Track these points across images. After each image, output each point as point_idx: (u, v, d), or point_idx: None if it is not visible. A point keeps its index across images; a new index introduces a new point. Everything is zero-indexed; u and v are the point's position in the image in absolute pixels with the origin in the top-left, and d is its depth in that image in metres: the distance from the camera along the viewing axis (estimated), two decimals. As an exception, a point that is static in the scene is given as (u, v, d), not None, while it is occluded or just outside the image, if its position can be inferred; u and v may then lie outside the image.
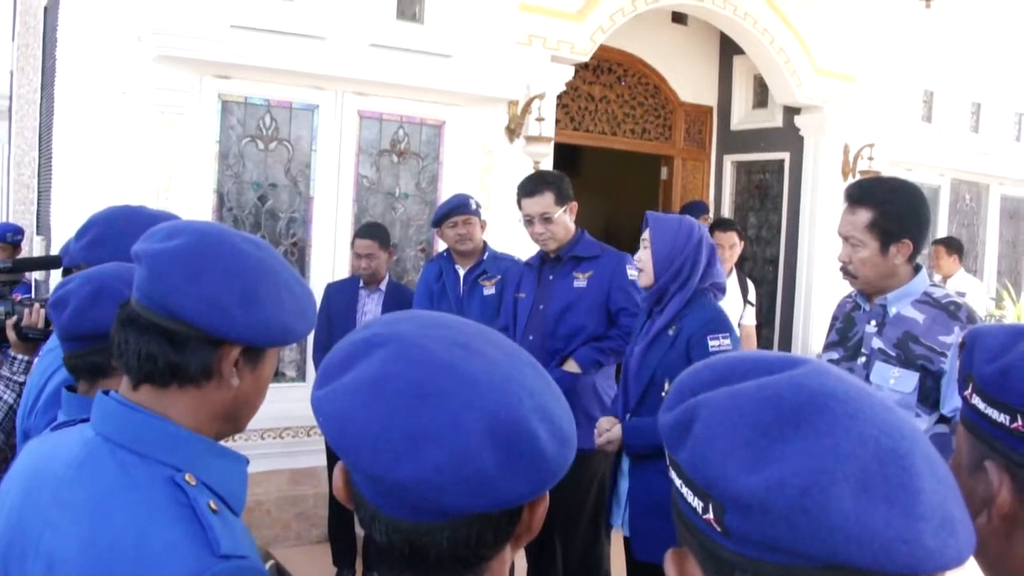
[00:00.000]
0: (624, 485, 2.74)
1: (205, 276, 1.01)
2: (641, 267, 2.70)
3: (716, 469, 0.58)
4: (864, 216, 2.32)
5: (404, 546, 0.71)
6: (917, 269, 2.39)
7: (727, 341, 2.56)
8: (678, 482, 0.63)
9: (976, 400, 0.87)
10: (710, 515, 0.59)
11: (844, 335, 2.49)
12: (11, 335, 2.27)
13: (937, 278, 6.33)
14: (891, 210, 2.31)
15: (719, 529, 0.59)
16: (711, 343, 2.53)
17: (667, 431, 0.64)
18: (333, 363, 0.74)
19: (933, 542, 0.55)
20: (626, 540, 2.78)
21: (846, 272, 2.41)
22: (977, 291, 6.63)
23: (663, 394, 2.55)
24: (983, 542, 0.86)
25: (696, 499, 0.60)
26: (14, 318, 2.28)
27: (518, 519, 0.74)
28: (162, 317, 1.01)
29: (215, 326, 1.01)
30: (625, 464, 2.74)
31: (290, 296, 1.08)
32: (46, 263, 3.43)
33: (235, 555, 0.91)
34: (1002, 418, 0.83)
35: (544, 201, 3.14)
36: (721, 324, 2.60)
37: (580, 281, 3.17)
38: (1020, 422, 0.81)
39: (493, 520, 0.71)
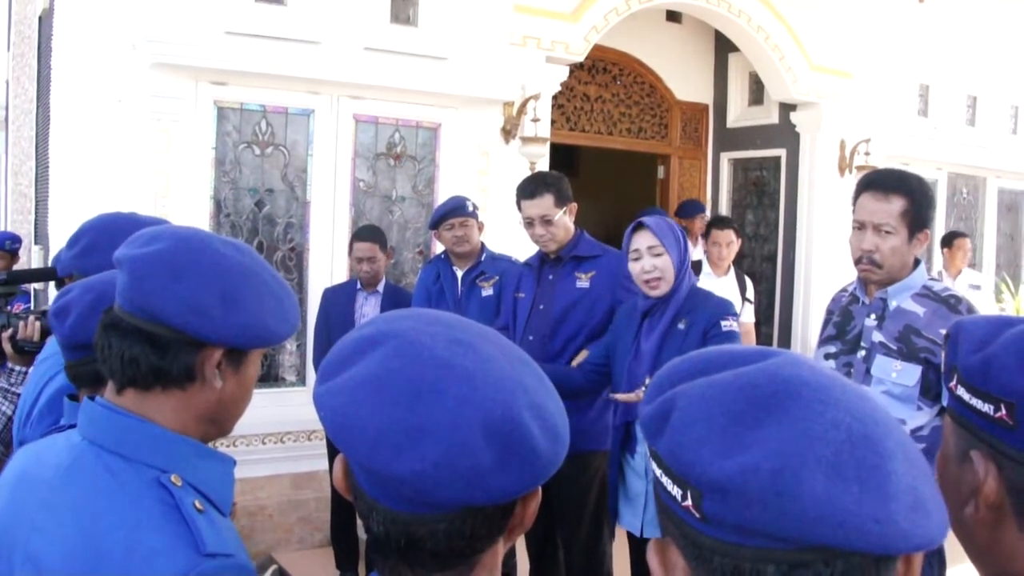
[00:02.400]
0: (640, 486, 2.74)
1: (185, 279, 1.02)
2: (660, 275, 2.67)
3: (693, 455, 0.59)
4: (899, 204, 2.29)
5: (400, 537, 0.73)
6: (916, 263, 2.39)
7: (735, 324, 2.67)
8: (658, 472, 0.64)
9: (961, 391, 0.87)
10: (688, 502, 0.60)
11: (842, 329, 2.48)
12: (7, 348, 2.27)
13: (944, 275, 6.30)
14: (922, 200, 2.31)
15: (697, 515, 0.60)
16: (723, 324, 2.63)
17: (647, 423, 0.65)
18: (335, 359, 0.76)
19: (905, 523, 0.56)
20: (634, 539, 2.80)
21: (871, 262, 2.34)
22: (986, 285, 6.63)
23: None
24: (970, 532, 0.87)
25: (675, 487, 0.62)
26: (9, 331, 2.28)
27: (511, 513, 0.76)
28: (144, 321, 1.02)
29: (196, 328, 1.02)
30: (640, 464, 2.73)
31: (272, 298, 1.09)
32: (42, 275, 3.42)
33: (221, 553, 0.92)
34: (986, 408, 0.83)
35: (544, 203, 3.13)
36: (732, 310, 2.74)
37: (583, 282, 3.16)
38: (1004, 412, 0.81)
39: (487, 513, 0.73)
